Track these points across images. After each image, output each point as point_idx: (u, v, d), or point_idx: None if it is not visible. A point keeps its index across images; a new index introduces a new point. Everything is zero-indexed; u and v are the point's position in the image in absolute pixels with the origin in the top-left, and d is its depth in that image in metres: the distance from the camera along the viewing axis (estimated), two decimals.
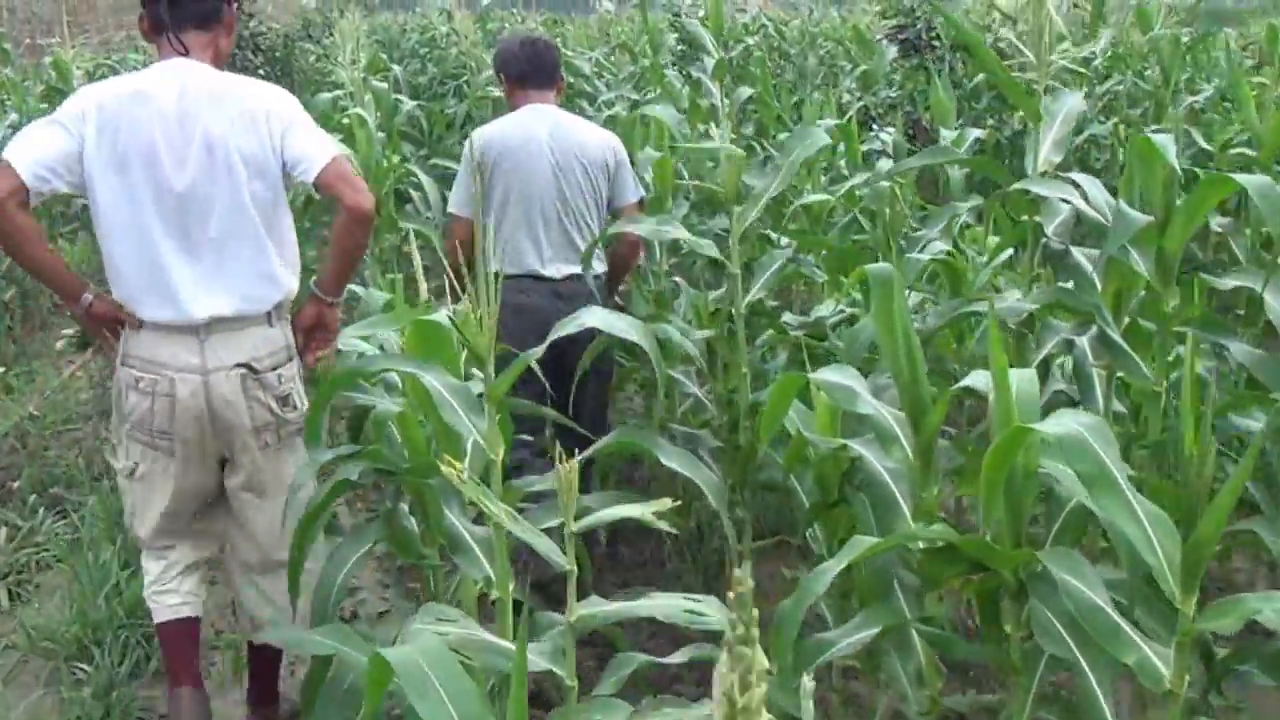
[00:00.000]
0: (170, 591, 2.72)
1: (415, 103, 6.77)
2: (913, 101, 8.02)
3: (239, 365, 2.52)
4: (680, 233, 3.28)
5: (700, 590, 3.64)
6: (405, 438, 2.36)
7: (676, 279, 4.24)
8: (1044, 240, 2.71)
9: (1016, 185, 2.56)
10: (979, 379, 2.08)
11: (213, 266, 2.52)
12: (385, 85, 5.38)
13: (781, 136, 6.48)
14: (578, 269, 3.56)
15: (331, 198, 2.59)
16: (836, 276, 3.74)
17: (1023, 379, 1.86)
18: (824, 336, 3.65)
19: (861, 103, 8.30)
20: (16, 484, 4.24)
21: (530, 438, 3.40)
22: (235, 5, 2.69)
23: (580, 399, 3.37)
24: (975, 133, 5.13)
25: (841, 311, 3.77)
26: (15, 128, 6.91)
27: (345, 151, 2.76)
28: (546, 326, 3.18)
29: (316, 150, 2.55)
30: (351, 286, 3.18)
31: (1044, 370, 2.78)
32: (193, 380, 2.51)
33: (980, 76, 8.34)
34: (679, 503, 1.61)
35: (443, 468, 1.46)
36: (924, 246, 3.57)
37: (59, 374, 5.34)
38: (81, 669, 3.16)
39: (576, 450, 2.68)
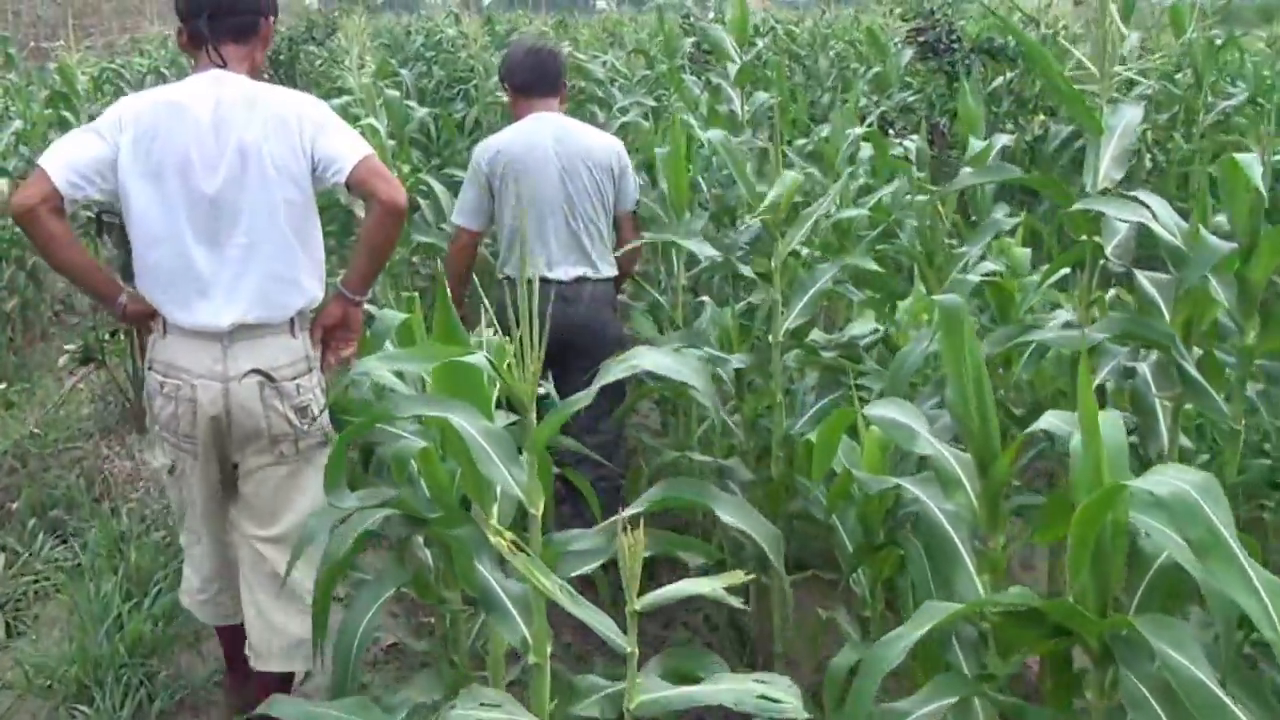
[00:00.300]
0: (209, 603, 2.82)
1: (426, 110, 6.59)
2: (930, 106, 7.86)
3: (255, 371, 2.53)
4: (706, 249, 3.13)
5: (726, 626, 3.51)
6: (428, 477, 2.20)
7: (703, 298, 4.07)
8: (1102, 261, 2.55)
9: (1079, 205, 2.39)
10: (1054, 421, 1.92)
11: (239, 272, 2.54)
12: (397, 93, 5.20)
13: (799, 142, 6.34)
14: (584, 271, 3.63)
15: (364, 194, 2.58)
16: (871, 295, 3.58)
17: (1110, 426, 1.69)
18: (858, 358, 3.49)
19: (880, 108, 8.15)
20: (15, 505, 4.08)
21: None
22: (271, 19, 2.73)
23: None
24: (1003, 139, 4.96)
25: (875, 331, 3.62)
26: (19, 136, 6.78)
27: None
28: (552, 329, 3.24)
29: (348, 149, 2.58)
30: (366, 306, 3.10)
31: (1099, 398, 2.62)
32: (214, 387, 2.53)
33: (999, 80, 8.21)
34: (730, 562, 1.45)
35: (491, 538, 1.30)
36: (966, 265, 3.41)
37: (61, 387, 5.19)
38: (82, 711, 3.00)
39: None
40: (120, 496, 4.17)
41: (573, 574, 1.87)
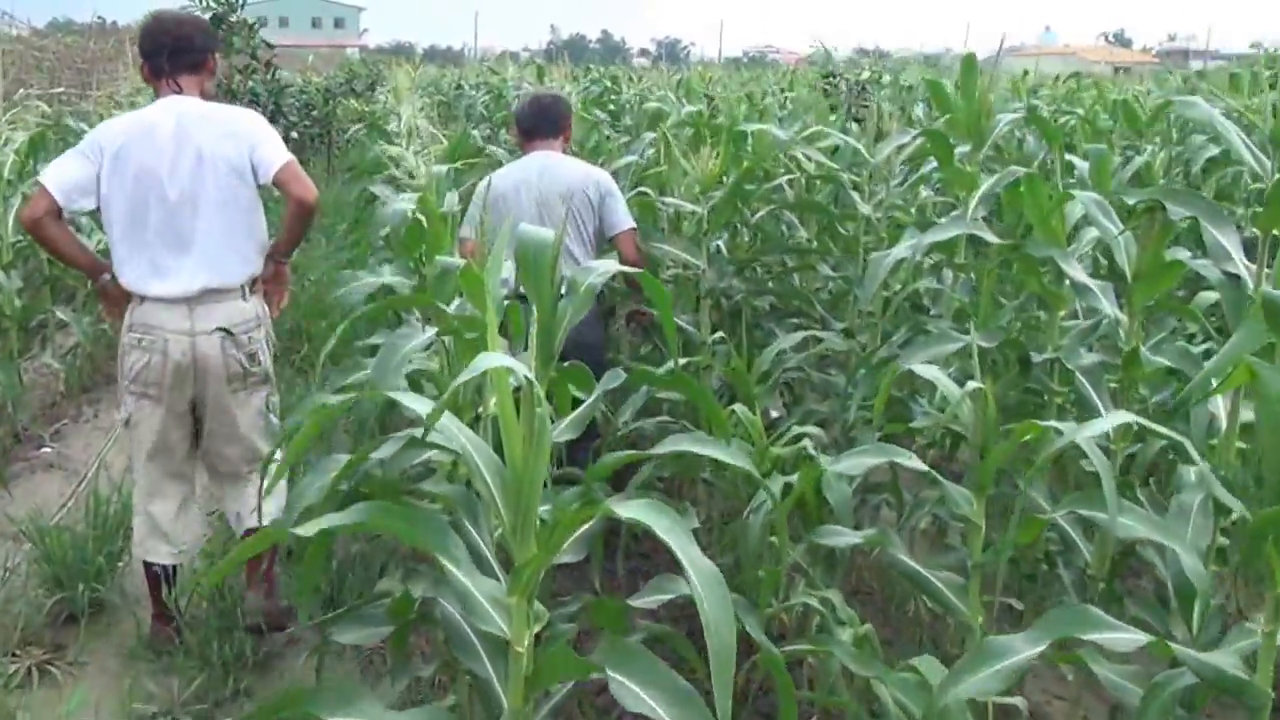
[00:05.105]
0: (162, 541, 3.51)
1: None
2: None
3: (219, 329, 3.37)
4: None
5: None
6: None
7: None
8: None
9: None
10: None
11: (201, 251, 3.34)
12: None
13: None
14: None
15: (285, 192, 3.40)
16: None
17: None
18: None
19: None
20: None
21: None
22: (215, 56, 3.56)
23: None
24: None
25: None
26: None
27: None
28: None
29: (274, 156, 3.39)
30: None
31: None
32: (183, 341, 3.35)
33: None
34: None
35: None
36: None
37: None
38: None
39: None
40: None
41: None
